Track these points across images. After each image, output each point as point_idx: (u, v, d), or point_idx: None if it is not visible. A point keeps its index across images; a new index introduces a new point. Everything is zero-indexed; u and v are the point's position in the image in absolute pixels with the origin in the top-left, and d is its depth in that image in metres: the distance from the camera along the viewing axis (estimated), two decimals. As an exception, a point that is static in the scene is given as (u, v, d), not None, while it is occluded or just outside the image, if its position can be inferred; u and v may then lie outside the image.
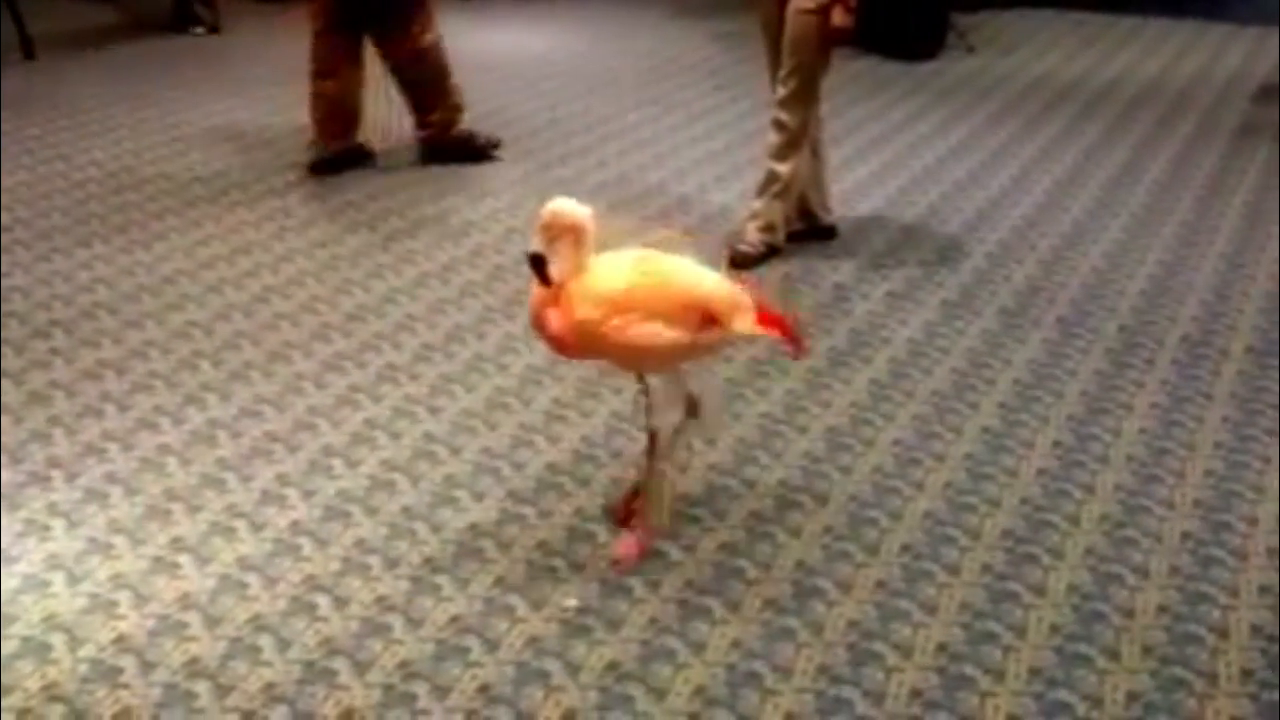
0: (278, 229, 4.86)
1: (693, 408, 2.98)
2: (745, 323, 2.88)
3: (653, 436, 2.96)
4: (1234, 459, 3.34)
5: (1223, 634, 2.68)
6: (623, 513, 3.03)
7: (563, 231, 2.72)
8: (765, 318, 2.94)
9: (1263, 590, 2.82)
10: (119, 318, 4.11)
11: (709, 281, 2.88)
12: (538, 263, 2.71)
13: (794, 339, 3.05)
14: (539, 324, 2.80)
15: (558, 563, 2.90)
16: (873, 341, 4.00)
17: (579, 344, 2.79)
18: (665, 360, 2.88)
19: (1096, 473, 3.27)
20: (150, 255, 4.59)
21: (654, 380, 2.95)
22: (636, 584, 2.83)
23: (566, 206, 2.73)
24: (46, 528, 3.01)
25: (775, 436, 3.44)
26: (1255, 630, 2.69)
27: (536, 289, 2.76)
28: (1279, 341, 3.99)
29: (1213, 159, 5.78)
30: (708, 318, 2.83)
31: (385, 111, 5.67)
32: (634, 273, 2.78)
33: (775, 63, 4.49)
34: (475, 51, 7.56)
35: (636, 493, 3.03)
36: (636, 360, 2.88)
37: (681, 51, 7.61)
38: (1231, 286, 4.41)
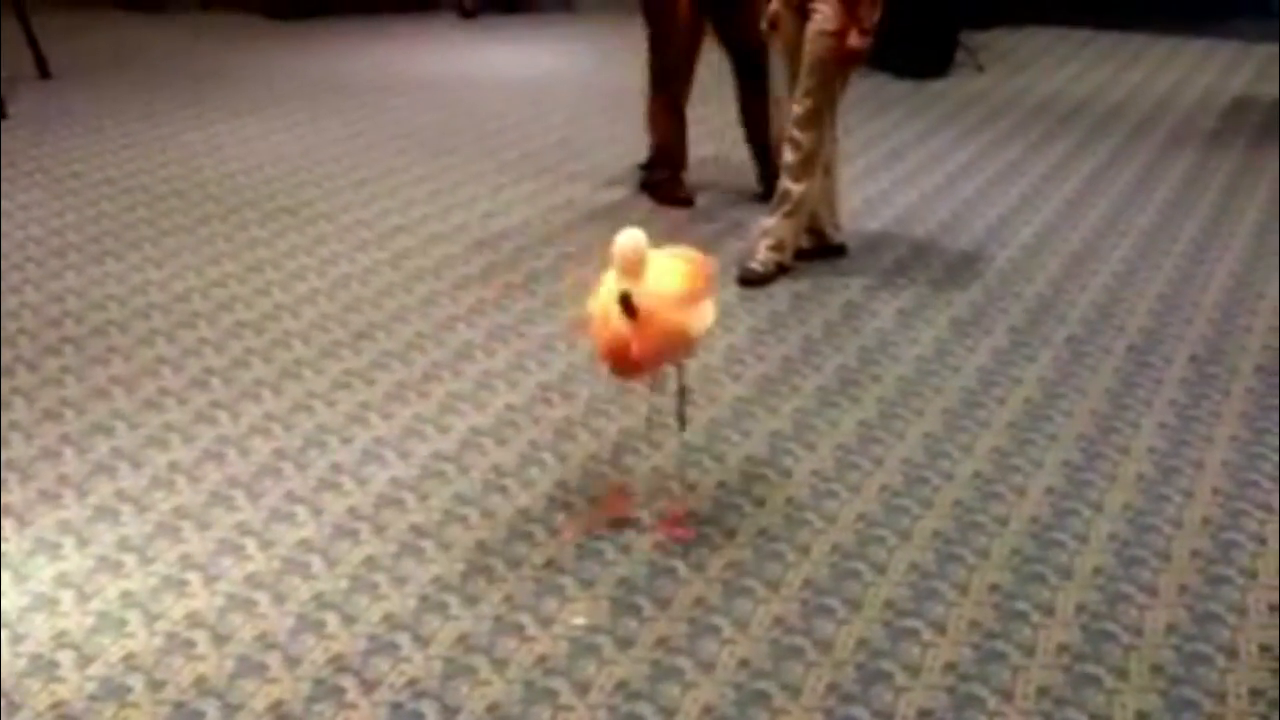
0: (289, 246, 4.88)
1: (683, 392, 3.16)
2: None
3: (681, 412, 3.18)
4: (1242, 478, 3.33)
5: (1231, 654, 2.67)
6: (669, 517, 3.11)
7: (639, 265, 2.79)
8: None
9: (1272, 609, 2.81)
10: (130, 335, 4.13)
11: (695, 250, 3.16)
12: (628, 302, 2.74)
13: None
14: (618, 357, 2.86)
15: (566, 580, 2.90)
16: (882, 360, 4.00)
17: (660, 355, 2.95)
18: (706, 335, 3.11)
19: (1105, 491, 3.26)
20: (162, 273, 4.62)
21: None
22: (645, 602, 2.83)
23: (635, 239, 2.80)
24: (56, 545, 3.02)
25: (784, 454, 3.44)
26: (1264, 650, 2.68)
27: (612, 327, 2.80)
28: (1289, 360, 3.99)
29: (1221, 178, 5.77)
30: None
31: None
32: (680, 264, 3.00)
33: (794, 83, 4.51)
34: (483, 69, 7.59)
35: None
36: (695, 344, 3.07)
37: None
38: (1240, 306, 4.41)
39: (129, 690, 2.55)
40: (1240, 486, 3.29)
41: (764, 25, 4.64)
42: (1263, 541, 3.06)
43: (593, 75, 7.57)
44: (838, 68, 4.40)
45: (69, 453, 3.42)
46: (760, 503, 3.21)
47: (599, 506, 3.15)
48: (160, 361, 3.95)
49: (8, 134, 6.10)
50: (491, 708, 2.51)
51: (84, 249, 4.82)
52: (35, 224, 5.05)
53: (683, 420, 3.25)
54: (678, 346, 2.99)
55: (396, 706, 2.52)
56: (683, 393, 3.17)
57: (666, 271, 2.93)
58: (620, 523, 3.08)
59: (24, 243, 4.85)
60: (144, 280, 4.55)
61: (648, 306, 2.79)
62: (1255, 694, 2.56)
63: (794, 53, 4.50)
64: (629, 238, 2.79)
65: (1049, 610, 2.81)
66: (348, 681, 2.58)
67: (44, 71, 7.09)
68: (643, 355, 2.85)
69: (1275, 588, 2.88)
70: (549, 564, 2.96)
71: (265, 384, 3.81)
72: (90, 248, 4.83)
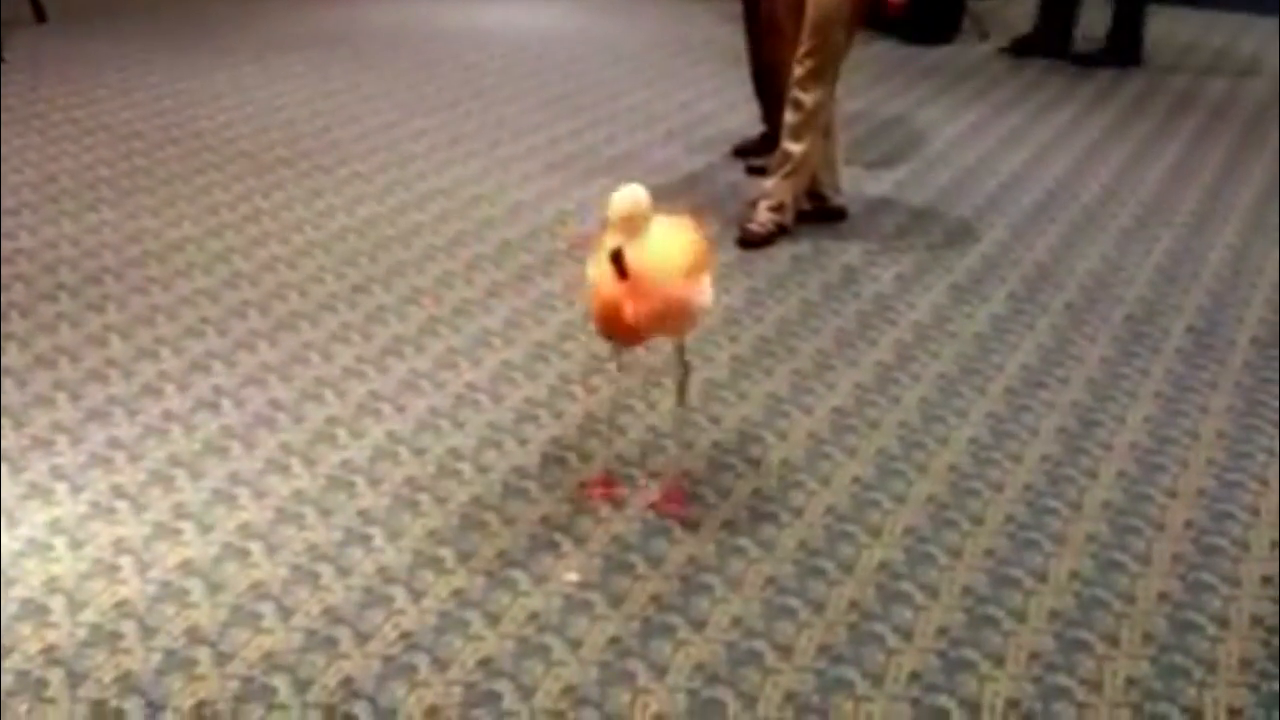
0: (286, 198, 4.85)
1: (683, 379, 3.07)
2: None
3: (681, 386, 3.07)
4: (1237, 449, 3.33)
5: (1223, 623, 2.68)
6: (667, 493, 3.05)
7: (640, 222, 2.70)
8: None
9: (1265, 581, 2.82)
10: (125, 283, 4.10)
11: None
12: (619, 258, 2.67)
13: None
14: (610, 320, 2.77)
15: (560, 537, 2.90)
16: (880, 324, 3.99)
17: (656, 324, 2.81)
18: (704, 312, 2.99)
19: (1100, 459, 3.27)
20: (158, 221, 4.59)
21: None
22: (638, 560, 2.83)
23: (637, 195, 2.71)
24: (50, 492, 3.01)
25: (780, 416, 3.43)
26: (1256, 621, 2.69)
27: (605, 288, 2.73)
28: (1286, 333, 3.99)
29: (1223, 148, 5.76)
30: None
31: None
32: (685, 235, 2.89)
33: (795, 42, 4.46)
34: (475, 28, 7.54)
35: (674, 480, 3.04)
36: (694, 320, 2.97)
37: (690, 30, 7.58)
38: (1239, 277, 4.40)
39: (121, 637, 2.55)
40: (1235, 458, 3.29)
41: None
42: (1256, 513, 3.07)
43: (593, 30, 7.52)
44: (854, 24, 4.36)
45: (62, 399, 3.41)
46: (755, 464, 3.21)
47: (587, 488, 3.07)
48: (155, 310, 3.93)
49: (3, 79, 6.04)
50: (484, 661, 2.52)
51: (79, 195, 4.79)
52: (31, 169, 5.01)
53: (682, 395, 3.12)
54: (677, 318, 2.87)
55: (389, 659, 2.52)
56: (685, 368, 3.06)
57: (671, 238, 2.83)
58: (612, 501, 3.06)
59: (19, 188, 4.82)
60: (139, 228, 4.52)
61: (647, 271, 2.71)
62: (1245, 663, 2.57)
63: (795, 13, 4.46)
64: (628, 193, 2.71)
65: (1042, 576, 2.81)
66: (341, 633, 2.58)
67: (40, 15, 7.02)
68: (637, 321, 2.75)
69: (1268, 559, 2.89)
70: (543, 520, 2.95)
71: (261, 335, 3.80)
72: (86, 194, 4.80)
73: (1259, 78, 7.02)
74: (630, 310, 2.73)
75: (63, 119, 5.58)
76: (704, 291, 2.91)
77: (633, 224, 2.69)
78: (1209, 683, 2.52)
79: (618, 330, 2.81)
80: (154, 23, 7.21)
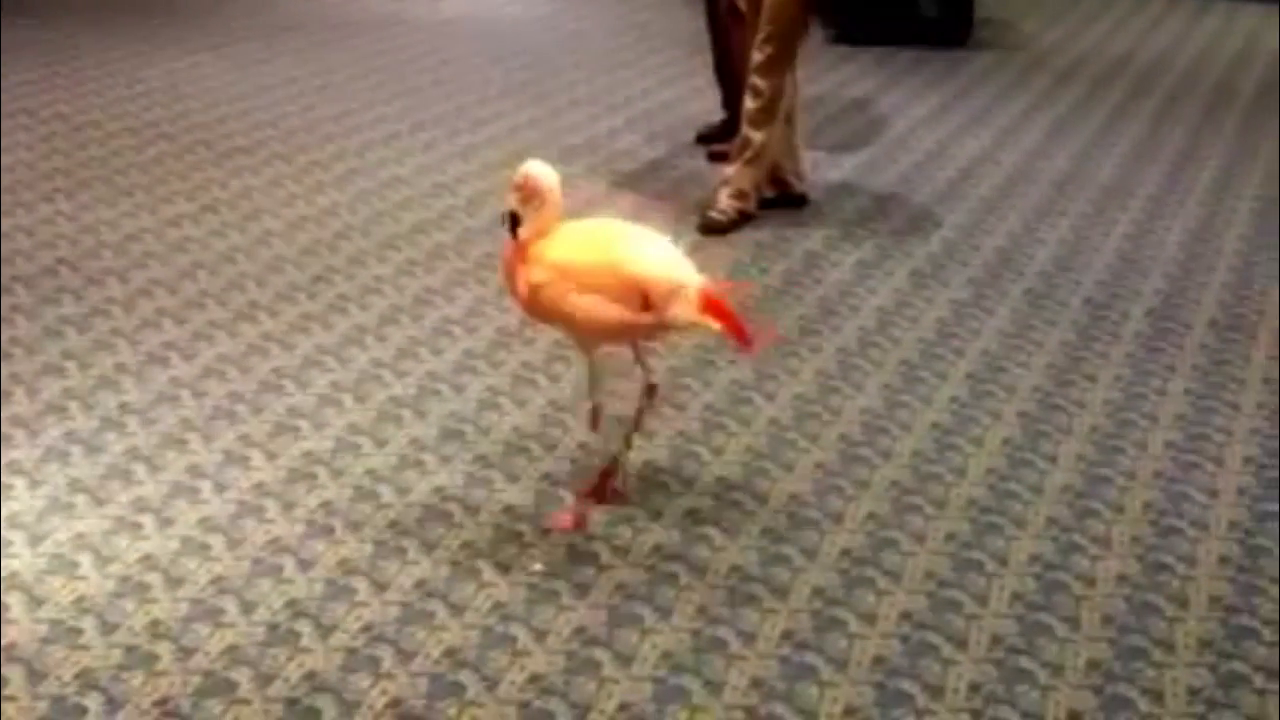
0: (244, 187, 4.81)
1: (650, 391, 2.94)
2: (684, 311, 2.76)
3: (594, 412, 2.92)
4: (1195, 431, 3.37)
5: (1182, 604, 2.71)
6: (596, 489, 2.99)
7: (533, 193, 2.81)
8: (712, 306, 2.78)
9: (1222, 561, 2.85)
10: (81, 274, 4.06)
11: (651, 263, 2.78)
12: (513, 219, 2.81)
13: (741, 334, 2.81)
14: (509, 280, 2.90)
15: (524, 527, 2.89)
16: (842, 310, 4.00)
17: (531, 306, 2.88)
18: (604, 336, 2.86)
19: (1060, 443, 3.29)
20: (114, 212, 4.54)
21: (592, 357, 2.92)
22: (603, 549, 2.83)
23: (538, 169, 2.83)
24: (8, 486, 2.97)
25: (742, 403, 3.44)
26: (1214, 601, 2.72)
27: (508, 244, 2.87)
28: (1242, 316, 4.03)
29: (1180, 133, 5.80)
30: (647, 300, 2.76)
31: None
32: (582, 242, 2.83)
33: (753, 29, 4.46)
34: (438, 14, 7.49)
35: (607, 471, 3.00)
36: (577, 332, 2.87)
37: (653, 16, 7.56)
38: (1197, 260, 4.44)
39: (81, 633, 2.52)
40: (1193, 440, 3.32)
41: None
42: (1214, 494, 3.10)
43: (553, 21, 7.49)
44: (801, 13, 4.37)
45: (19, 393, 3.37)
46: (719, 451, 3.21)
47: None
48: (111, 302, 3.89)
49: (-45, 68, 5.96)
50: (449, 652, 2.51)
51: (34, 186, 4.72)
52: (-17, 160, 4.95)
53: (637, 422, 2.98)
54: (554, 317, 2.85)
55: (352, 651, 2.51)
56: (648, 394, 2.92)
57: (566, 237, 2.80)
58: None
59: (-29, 179, 4.76)
60: (95, 219, 4.47)
61: (530, 252, 2.79)
62: (1204, 644, 2.60)
63: (753, 1, 4.46)
64: (533, 164, 2.82)
65: (1003, 560, 2.83)
66: (304, 626, 2.57)
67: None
68: (521, 295, 2.84)
69: (1225, 539, 2.92)
70: (507, 510, 2.95)
71: (220, 326, 3.76)
72: (40, 185, 4.74)
73: (1216, 63, 7.07)
74: (519, 280, 2.82)
75: (16, 109, 5.50)
76: (579, 305, 2.76)
77: (522, 193, 2.79)
78: (1169, 663, 2.54)
79: (511, 292, 2.90)
80: (108, 12, 7.12)
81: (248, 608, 2.61)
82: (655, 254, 2.83)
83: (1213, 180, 5.22)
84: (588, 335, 2.87)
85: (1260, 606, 2.70)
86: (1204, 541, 2.92)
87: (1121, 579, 2.78)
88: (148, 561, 2.74)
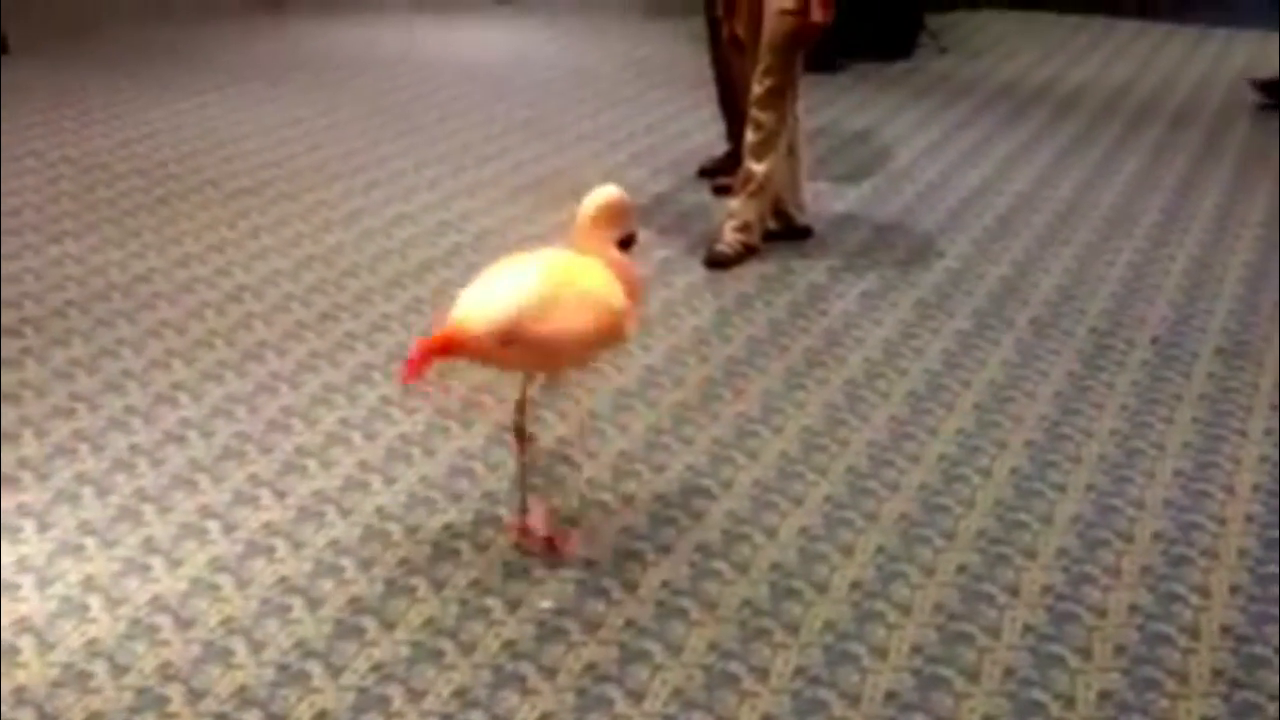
0: (251, 226, 4.83)
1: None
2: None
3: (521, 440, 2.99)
4: (1204, 459, 3.36)
5: (1194, 634, 2.70)
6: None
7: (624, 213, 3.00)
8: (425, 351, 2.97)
9: (1234, 590, 2.84)
10: (90, 316, 4.08)
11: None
12: (631, 240, 3.01)
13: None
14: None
15: (533, 564, 2.89)
16: (847, 342, 4.01)
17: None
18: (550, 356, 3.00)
19: (1069, 473, 3.29)
20: (122, 253, 4.56)
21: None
22: (613, 585, 2.82)
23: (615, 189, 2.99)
24: (17, 529, 2.98)
25: (751, 437, 3.44)
26: (1226, 630, 2.71)
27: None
28: (1248, 343, 4.03)
29: (1182, 161, 5.82)
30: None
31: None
32: (531, 285, 2.94)
33: (754, 60, 4.49)
34: (447, 53, 7.54)
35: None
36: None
37: (655, 51, 7.61)
38: (1201, 288, 4.45)
39: (91, 676, 2.52)
40: (1201, 468, 3.32)
41: (718, 10, 4.64)
42: (1224, 523, 3.09)
43: (557, 58, 7.54)
44: (799, 44, 4.40)
45: (28, 435, 3.37)
46: (727, 485, 3.22)
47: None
48: (120, 343, 3.90)
49: (-37, 111, 6.00)
50: (458, 692, 2.51)
51: (42, 229, 4.75)
52: (-8, 203, 4.98)
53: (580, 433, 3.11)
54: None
55: (363, 690, 2.50)
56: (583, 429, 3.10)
57: (512, 276, 2.97)
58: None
59: (-20, 222, 4.78)
60: (104, 261, 4.49)
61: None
62: (1216, 674, 2.59)
63: (753, 33, 4.49)
64: (611, 188, 2.98)
65: (1014, 591, 2.82)
66: (313, 666, 2.56)
67: (2, 47, 6.97)
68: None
69: (1236, 568, 2.92)
70: (516, 546, 2.95)
71: (228, 366, 3.78)
72: (49, 227, 4.76)
73: (1217, 89, 7.10)
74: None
75: (24, 151, 5.54)
76: (538, 326, 2.88)
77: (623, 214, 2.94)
78: (1181, 694, 2.53)
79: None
80: (116, 54, 7.17)
81: (257, 648, 2.61)
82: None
83: (1216, 207, 5.23)
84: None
85: (1272, 635, 2.69)
86: (1215, 571, 2.91)
87: (1133, 609, 2.77)
88: (157, 603, 2.74)
